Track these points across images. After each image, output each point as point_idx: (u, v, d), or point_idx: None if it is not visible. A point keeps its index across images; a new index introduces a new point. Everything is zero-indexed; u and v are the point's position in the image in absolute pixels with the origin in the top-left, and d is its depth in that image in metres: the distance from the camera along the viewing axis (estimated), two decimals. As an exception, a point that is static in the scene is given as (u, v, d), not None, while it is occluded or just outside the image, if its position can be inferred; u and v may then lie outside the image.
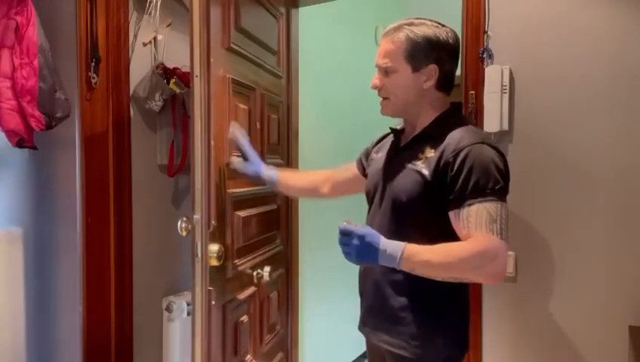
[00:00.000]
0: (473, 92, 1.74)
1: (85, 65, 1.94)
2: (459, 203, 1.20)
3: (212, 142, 1.53)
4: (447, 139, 1.26)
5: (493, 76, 1.69)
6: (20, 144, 1.90)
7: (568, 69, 1.65)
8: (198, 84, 1.49)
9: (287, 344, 2.35)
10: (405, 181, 1.29)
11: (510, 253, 1.71)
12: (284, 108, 2.28)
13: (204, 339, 1.53)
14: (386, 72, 1.36)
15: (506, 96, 1.69)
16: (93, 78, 1.95)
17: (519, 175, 1.71)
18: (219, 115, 1.61)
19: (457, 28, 1.79)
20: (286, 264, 2.32)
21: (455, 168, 1.21)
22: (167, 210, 2.23)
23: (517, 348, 1.72)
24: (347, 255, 1.22)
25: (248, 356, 1.86)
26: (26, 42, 1.82)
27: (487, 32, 1.73)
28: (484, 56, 1.72)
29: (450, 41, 1.34)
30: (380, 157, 1.47)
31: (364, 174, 1.58)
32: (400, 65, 1.33)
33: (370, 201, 1.44)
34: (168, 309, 2.13)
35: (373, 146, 1.59)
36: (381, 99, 1.42)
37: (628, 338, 1.52)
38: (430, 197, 1.25)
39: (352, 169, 1.66)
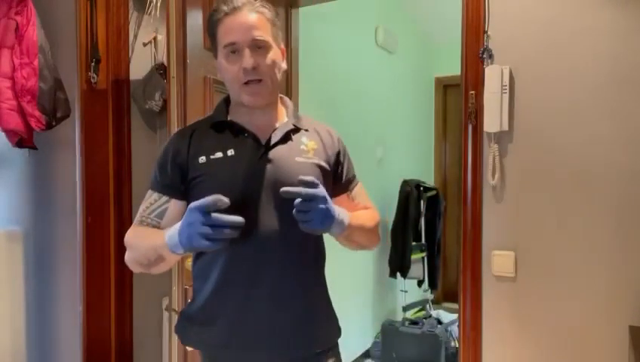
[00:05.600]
0: (473, 92, 1.74)
1: (85, 65, 1.94)
2: (351, 184, 1.32)
3: None
4: (314, 127, 1.28)
5: (493, 76, 1.69)
6: (19, 144, 1.90)
7: (568, 69, 1.65)
8: (174, 85, 1.52)
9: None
10: (305, 175, 1.10)
11: (510, 252, 1.72)
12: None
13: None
14: (259, 47, 1.16)
15: (506, 96, 1.69)
16: (93, 78, 1.95)
17: (519, 174, 1.71)
18: (197, 115, 1.61)
19: (457, 28, 1.80)
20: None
21: (343, 154, 1.30)
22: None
23: (517, 348, 1.72)
24: (307, 223, 1.07)
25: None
26: (26, 42, 1.82)
27: (487, 32, 1.73)
28: (484, 56, 1.72)
29: None
30: (229, 157, 1.19)
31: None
32: (272, 42, 1.19)
33: (239, 206, 1.11)
34: (168, 309, 2.13)
35: (186, 153, 1.21)
36: (245, 82, 1.17)
37: (628, 338, 1.52)
38: (328, 186, 1.20)
39: (175, 206, 1.20)
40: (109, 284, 2.03)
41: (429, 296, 3.80)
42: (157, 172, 1.23)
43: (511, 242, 1.72)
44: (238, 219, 1.03)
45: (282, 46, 1.25)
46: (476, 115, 1.74)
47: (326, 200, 1.08)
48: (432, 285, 3.79)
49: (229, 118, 1.24)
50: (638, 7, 1.56)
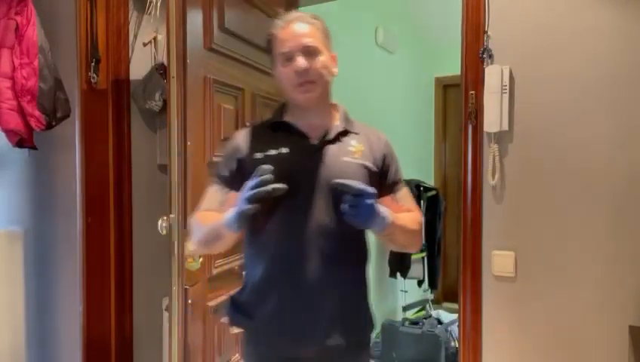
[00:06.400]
0: (473, 92, 1.74)
1: (85, 65, 1.94)
2: (396, 186, 1.37)
3: (188, 142, 1.55)
4: (364, 132, 1.38)
5: (493, 76, 1.69)
6: (20, 144, 1.90)
7: (568, 69, 1.65)
8: (174, 85, 1.52)
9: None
10: (351, 174, 1.23)
11: (510, 252, 1.72)
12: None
13: (181, 338, 1.55)
14: (310, 52, 1.30)
15: (506, 96, 1.69)
16: (93, 78, 1.95)
17: (519, 174, 1.71)
18: (197, 115, 1.62)
19: (457, 28, 1.80)
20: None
21: (390, 157, 1.37)
22: (167, 209, 2.23)
23: (516, 348, 1.72)
24: (353, 217, 1.14)
25: (236, 355, 1.86)
26: (26, 42, 1.82)
27: (487, 32, 1.73)
28: (484, 56, 1.72)
29: None
30: (283, 154, 1.29)
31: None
32: (322, 48, 1.33)
33: (288, 200, 1.21)
34: (168, 309, 2.13)
35: (244, 150, 1.33)
36: (299, 83, 1.29)
37: (628, 338, 1.52)
38: (374, 187, 1.21)
39: (234, 198, 1.24)
40: (109, 284, 2.03)
41: (429, 296, 3.80)
42: (219, 167, 1.37)
43: (511, 242, 1.72)
44: (279, 185, 1.12)
45: (334, 53, 1.37)
46: (476, 115, 1.74)
47: (373, 196, 1.15)
48: (432, 285, 3.79)
49: (285, 119, 1.35)
50: (638, 8, 1.56)
